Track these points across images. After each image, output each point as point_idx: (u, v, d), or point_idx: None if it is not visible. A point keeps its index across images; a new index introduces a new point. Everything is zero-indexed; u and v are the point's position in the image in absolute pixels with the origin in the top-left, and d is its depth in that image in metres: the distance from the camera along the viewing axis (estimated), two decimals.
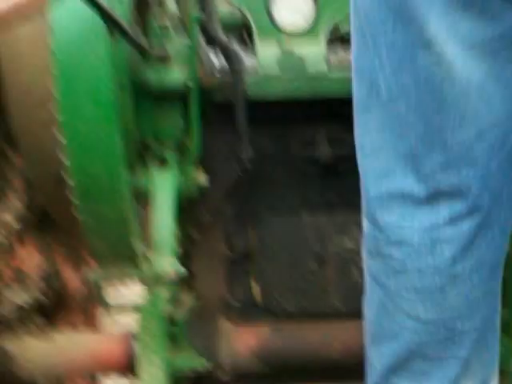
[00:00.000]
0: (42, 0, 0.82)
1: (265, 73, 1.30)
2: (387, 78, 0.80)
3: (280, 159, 1.40)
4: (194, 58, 1.20)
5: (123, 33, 0.98)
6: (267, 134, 1.40)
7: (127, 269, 1.15)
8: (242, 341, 1.35)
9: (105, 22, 0.94)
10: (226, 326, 1.37)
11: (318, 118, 1.36)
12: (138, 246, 1.13)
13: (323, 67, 1.32)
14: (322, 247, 1.41)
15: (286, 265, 1.42)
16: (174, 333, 1.27)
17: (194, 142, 1.25)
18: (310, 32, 1.39)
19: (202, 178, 1.28)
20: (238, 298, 1.45)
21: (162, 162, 1.25)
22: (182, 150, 1.27)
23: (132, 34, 1.02)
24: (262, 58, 1.33)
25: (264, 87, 1.29)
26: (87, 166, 1.01)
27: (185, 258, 1.46)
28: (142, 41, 1.19)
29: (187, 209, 1.41)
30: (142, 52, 1.11)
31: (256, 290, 1.44)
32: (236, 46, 1.28)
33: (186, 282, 1.46)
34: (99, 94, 0.97)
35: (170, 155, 1.25)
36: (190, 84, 1.20)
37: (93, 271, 1.17)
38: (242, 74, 1.26)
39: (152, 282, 1.16)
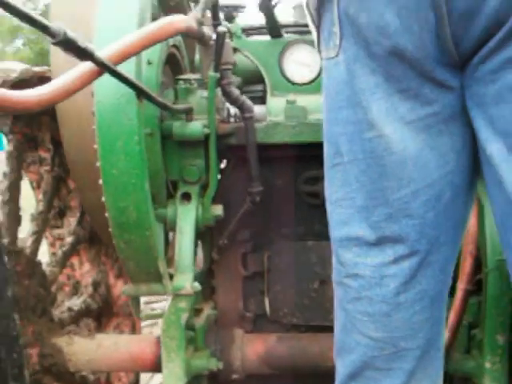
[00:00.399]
0: (86, 77, 1.08)
1: (272, 120, 1.50)
2: (345, 145, 0.98)
3: (288, 193, 1.60)
4: (212, 109, 1.43)
5: (148, 96, 1.23)
6: (277, 171, 1.60)
7: (154, 285, 1.38)
8: (252, 347, 1.56)
9: (132, 89, 1.18)
10: (238, 333, 1.59)
11: (319, 158, 1.53)
12: (163, 267, 1.36)
13: (322, 115, 1.52)
14: (323, 269, 1.58)
15: (293, 283, 1.61)
16: (194, 337, 1.50)
17: (212, 179, 1.47)
18: (315, 83, 1.60)
19: (218, 210, 1.50)
20: (251, 310, 1.66)
21: (186, 196, 1.48)
22: (202, 185, 1.49)
23: (155, 97, 1.26)
24: (271, 107, 1.54)
25: (271, 132, 1.48)
26: (119, 202, 1.24)
27: (207, 275, 1.70)
28: (165, 99, 1.43)
29: (209, 234, 1.65)
30: (166, 108, 1.34)
31: (266, 303, 1.65)
32: (246, 98, 1.48)
33: (207, 295, 1.70)
34: (129, 146, 1.21)
35: (193, 190, 1.47)
36: (208, 131, 1.43)
37: (128, 286, 1.40)
38: (252, 121, 1.47)
39: (173, 295, 1.39)
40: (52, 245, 1.97)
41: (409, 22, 0.85)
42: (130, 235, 1.28)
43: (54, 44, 0.99)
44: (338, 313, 1.07)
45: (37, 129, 1.76)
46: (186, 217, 1.44)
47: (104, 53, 1.10)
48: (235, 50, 1.58)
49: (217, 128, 1.45)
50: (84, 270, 2.00)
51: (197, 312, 1.58)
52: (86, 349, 1.54)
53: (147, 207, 1.26)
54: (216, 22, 1.51)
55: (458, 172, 0.97)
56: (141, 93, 1.20)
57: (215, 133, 1.44)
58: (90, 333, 1.59)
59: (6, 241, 1.54)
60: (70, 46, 1.00)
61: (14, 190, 1.59)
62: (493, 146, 0.89)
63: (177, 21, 1.22)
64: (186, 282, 1.38)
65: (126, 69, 1.16)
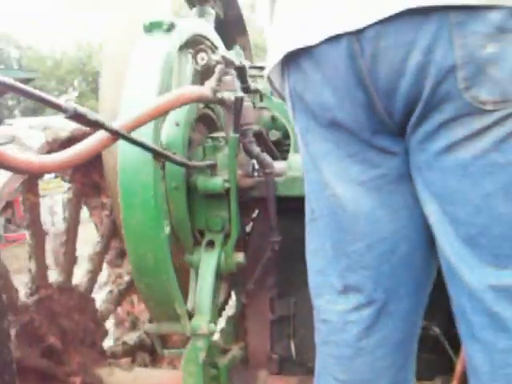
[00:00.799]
0: (102, 143, 1.26)
1: (291, 174, 1.61)
2: (314, 202, 1.11)
3: None
4: (232, 165, 1.56)
5: (165, 157, 1.39)
6: (300, 222, 1.69)
7: (173, 324, 1.52)
8: None
9: (148, 152, 1.35)
10: (262, 374, 1.69)
11: None
12: (180, 308, 1.49)
13: None
14: None
15: None
16: (216, 375, 1.62)
17: (233, 229, 1.60)
18: None
19: (240, 257, 1.62)
20: (278, 353, 1.75)
21: (210, 243, 1.62)
22: (226, 234, 1.62)
23: (172, 156, 1.42)
24: (291, 163, 1.65)
25: (290, 186, 1.58)
26: (138, 249, 1.40)
27: (240, 317, 1.81)
28: (194, 156, 1.59)
29: (238, 279, 1.77)
30: (185, 166, 1.50)
31: (292, 347, 1.73)
32: (266, 155, 1.61)
33: (240, 336, 1.82)
34: (146, 201, 1.37)
35: (217, 238, 1.61)
36: (229, 185, 1.57)
37: (150, 325, 1.56)
38: (272, 176, 1.59)
39: (191, 335, 1.52)
40: (113, 282, 2.18)
41: (342, 99, 0.97)
42: (148, 279, 1.43)
43: (67, 118, 1.18)
44: (316, 354, 1.18)
45: (98, 177, 1.99)
46: (208, 262, 1.58)
47: (119, 122, 1.29)
48: (264, 109, 1.71)
49: (239, 182, 1.59)
50: (142, 307, 2.19)
51: (225, 351, 1.71)
52: (123, 380, 1.70)
53: (163, 254, 1.41)
54: (243, 85, 1.65)
55: (413, 227, 1.05)
56: (157, 154, 1.37)
57: (236, 187, 1.57)
58: (128, 366, 1.76)
59: (60, 278, 1.76)
60: (81, 119, 1.20)
61: (71, 233, 1.81)
62: (429, 207, 0.98)
63: (186, 92, 1.39)
64: (203, 322, 1.51)
65: (144, 132, 1.34)
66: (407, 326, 1.10)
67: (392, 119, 0.96)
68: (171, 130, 1.55)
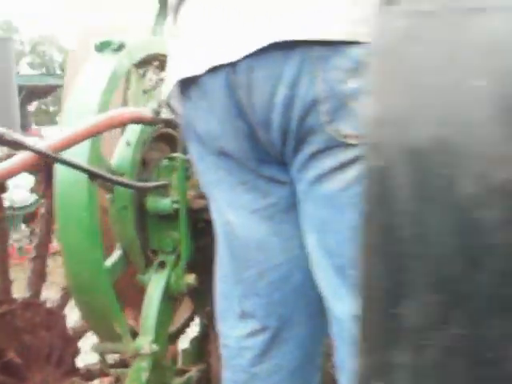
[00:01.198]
0: (27, 163, 1.29)
1: None
2: (217, 228, 1.13)
3: None
4: (182, 186, 1.56)
5: (100, 177, 1.41)
6: None
7: (117, 344, 1.52)
8: None
9: (82, 172, 1.36)
10: None
11: None
12: (120, 328, 1.49)
13: None
14: None
15: None
16: None
17: (183, 251, 1.59)
18: None
19: (191, 278, 1.60)
20: None
21: (162, 264, 1.61)
22: (178, 255, 1.61)
23: (111, 177, 1.43)
24: None
25: None
26: (73, 267, 1.42)
27: (203, 339, 1.80)
28: (144, 178, 1.59)
29: (199, 300, 1.76)
30: (131, 187, 1.51)
31: None
32: None
33: (203, 358, 1.80)
34: (80, 221, 1.39)
35: (168, 259, 1.60)
36: (178, 206, 1.56)
37: (96, 344, 1.57)
38: None
39: (133, 355, 1.52)
40: None
41: (226, 129, 0.99)
42: (84, 297, 1.45)
43: None
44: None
45: None
46: (157, 282, 1.58)
47: (46, 142, 1.32)
48: None
49: (191, 203, 1.58)
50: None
51: (183, 372, 1.70)
52: None
53: (98, 273, 1.43)
54: None
55: (306, 256, 1.04)
56: (91, 175, 1.39)
57: (186, 208, 1.57)
58: None
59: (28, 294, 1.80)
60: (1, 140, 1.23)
61: (42, 248, 1.85)
62: (307, 237, 1.00)
63: (123, 113, 1.40)
64: (146, 343, 1.51)
65: (78, 152, 1.36)
66: (303, 352, 1.10)
67: (274, 149, 0.97)
68: (122, 149, 1.57)
